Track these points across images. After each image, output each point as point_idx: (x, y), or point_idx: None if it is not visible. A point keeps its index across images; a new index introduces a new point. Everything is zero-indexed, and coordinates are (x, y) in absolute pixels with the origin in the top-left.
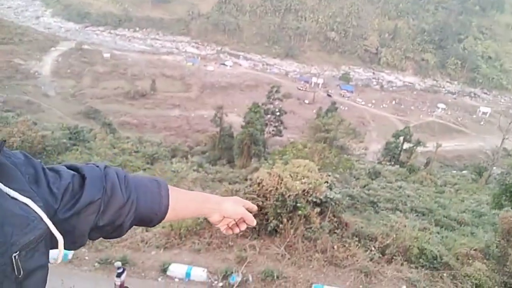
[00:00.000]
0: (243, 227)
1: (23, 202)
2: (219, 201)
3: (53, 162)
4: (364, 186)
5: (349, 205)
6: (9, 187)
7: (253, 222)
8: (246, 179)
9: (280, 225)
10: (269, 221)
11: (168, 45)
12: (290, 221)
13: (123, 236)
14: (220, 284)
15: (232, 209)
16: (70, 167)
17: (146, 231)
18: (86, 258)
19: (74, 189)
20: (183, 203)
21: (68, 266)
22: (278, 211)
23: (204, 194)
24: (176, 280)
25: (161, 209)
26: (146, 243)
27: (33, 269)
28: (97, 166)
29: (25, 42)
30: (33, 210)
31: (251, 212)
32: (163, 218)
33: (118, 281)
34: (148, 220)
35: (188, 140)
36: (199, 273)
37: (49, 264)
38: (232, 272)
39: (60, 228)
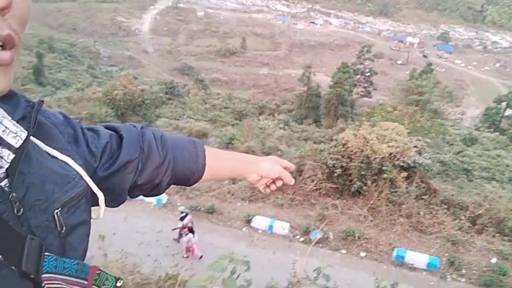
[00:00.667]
0: (279, 183)
1: (62, 161)
2: (256, 161)
3: (151, 115)
4: (458, 153)
5: (439, 172)
6: (49, 146)
7: (291, 181)
8: (331, 139)
9: (364, 187)
10: (352, 182)
11: (258, 3)
12: (374, 184)
13: (212, 186)
14: (301, 239)
15: (269, 169)
16: (107, 127)
17: (233, 183)
18: (179, 204)
19: (112, 148)
20: (220, 162)
21: (162, 210)
22: (363, 173)
23: (242, 154)
24: (259, 231)
25: (198, 168)
26: (233, 194)
27: (75, 225)
28: (134, 126)
29: (127, 1)
30: (73, 168)
31: (289, 171)
32: (201, 177)
33: (180, 224)
34: (186, 179)
35: (276, 98)
36: (282, 227)
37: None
38: (313, 229)
39: (100, 186)
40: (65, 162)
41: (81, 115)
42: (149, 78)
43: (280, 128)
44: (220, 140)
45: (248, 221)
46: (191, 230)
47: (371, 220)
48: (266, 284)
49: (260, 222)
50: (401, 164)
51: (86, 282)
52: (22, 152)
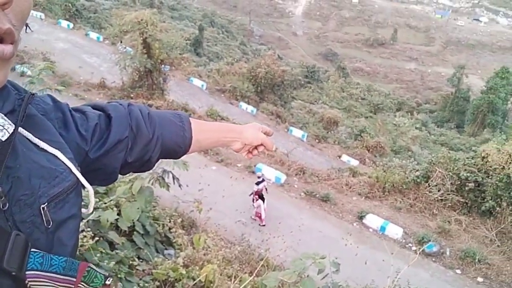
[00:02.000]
0: (261, 149)
1: (52, 154)
2: (239, 130)
3: (288, 96)
4: None
5: None
6: (38, 138)
7: (272, 147)
8: (470, 149)
9: (497, 208)
10: (485, 200)
11: None
12: (510, 207)
13: (331, 176)
14: (414, 248)
15: (252, 137)
16: (94, 107)
17: (353, 176)
18: (295, 186)
19: (101, 129)
20: (206, 134)
21: (279, 189)
22: (499, 192)
23: (225, 124)
24: (370, 230)
25: (185, 142)
26: (350, 187)
27: (64, 220)
28: (121, 104)
29: None
30: (62, 161)
31: (268, 135)
32: (188, 150)
33: (255, 188)
34: (174, 153)
35: (418, 96)
36: (395, 231)
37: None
38: (429, 240)
39: (92, 166)
40: (54, 155)
41: (226, 87)
42: (294, 60)
43: (416, 128)
44: (350, 131)
45: (361, 217)
46: (261, 197)
47: (498, 246)
48: (365, 285)
49: (373, 220)
50: None
51: (74, 280)
52: (9, 146)
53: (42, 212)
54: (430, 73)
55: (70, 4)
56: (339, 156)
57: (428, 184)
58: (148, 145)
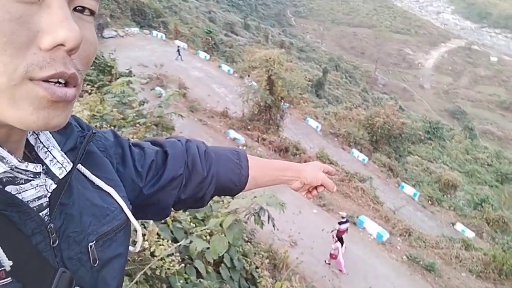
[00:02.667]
0: (321, 189)
1: (106, 191)
2: (299, 168)
3: (405, 149)
4: None
5: None
6: (95, 175)
7: (333, 188)
8: None
9: None
10: None
11: None
12: None
13: (440, 244)
14: None
15: (311, 176)
16: (153, 143)
17: (465, 249)
18: (398, 247)
19: (157, 166)
20: (264, 171)
21: (379, 246)
22: None
23: (284, 162)
24: None
25: (241, 179)
26: (460, 261)
27: (109, 258)
28: (179, 141)
29: (419, 35)
30: (115, 200)
31: (331, 175)
32: (243, 187)
33: (337, 227)
34: (229, 190)
35: None
36: None
37: (128, 252)
38: None
39: (145, 202)
40: (107, 193)
41: (340, 131)
42: (416, 113)
43: None
44: (470, 198)
45: None
46: (340, 239)
47: None
48: None
49: None
50: None
51: None
52: (65, 184)
53: (89, 250)
54: None
55: (210, 38)
56: (453, 224)
57: None
58: (202, 182)
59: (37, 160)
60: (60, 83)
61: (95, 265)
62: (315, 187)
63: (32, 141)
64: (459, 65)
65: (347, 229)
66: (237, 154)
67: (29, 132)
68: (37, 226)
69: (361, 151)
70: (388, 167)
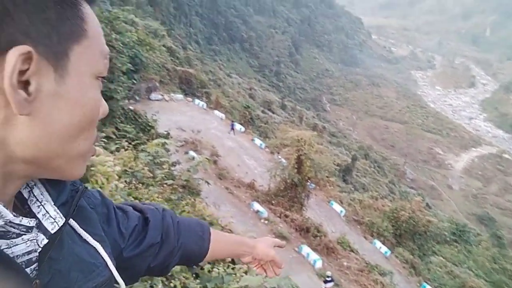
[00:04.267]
0: (270, 271)
1: (92, 246)
2: (253, 244)
3: (429, 248)
4: None
5: None
6: (83, 229)
7: (281, 265)
8: None
9: None
10: None
11: None
12: None
13: None
14: None
15: (263, 252)
16: (134, 208)
17: None
18: None
19: (139, 231)
20: (222, 245)
21: None
22: None
23: (240, 238)
24: None
25: (202, 252)
26: None
27: None
28: (157, 209)
29: (451, 136)
30: (101, 255)
31: (280, 247)
32: (202, 259)
33: (323, 286)
34: (189, 261)
35: None
36: None
37: None
38: None
39: (122, 265)
40: (94, 248)
41: (364, 219)
42: (443, 212)
43: None
44: None
45: None
46: None
47: None
48: None
49: None
50: None
51: None
52: (56, 239)
53: None
54: None
55: (247, 112)
56: None
57: None
58: (171, 252)
59: (30, 213)
60: None
61: None
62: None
63: (25, 194)
64: (489, 171)
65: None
66: (201, 226)
67: (23, 186)
68: (22, 281)
69: (383, 243)
70: (410, 263)
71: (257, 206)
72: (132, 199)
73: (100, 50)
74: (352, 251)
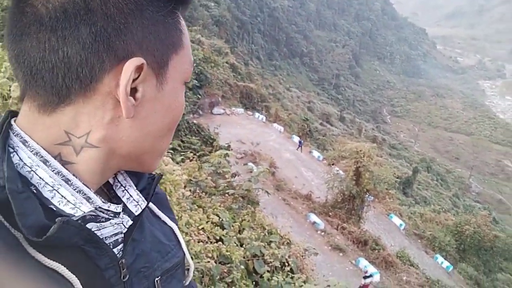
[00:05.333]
0: None
1: (168, 227)
2: None
3: (496, 265)
4: None
5: None
6: (161, 212)
7: None
8: None
9: None
10: None
11: None
12: None
13: None
14: None
15: None
16: None
17: None
18: None
19: None
20: None
21: None
22: None
23: None
24: None
25: None
26: None
27: None
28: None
29: None
30: (176, 236)
31: None
32: None
33: (362, 282)
34: None
35: None
36: None
37: None
38: None
39: None
40: (170, 229)
41: (425, 233)
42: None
43: None
44: None
45: None
46: None
47: None
48: None
49: None
50: None
51: None
52: (139, 220)
53: (156, 284)
54: None
55: (306, 125)
56: None
57: None
58: None
59: (115, 198)
60: None
61: None
62: None
63: (110, 180)
64: None
65: (371, 282)
66: None
67: None
68: (110, 261)
69: (445, 258)
70: (474, 280)
71: (314, 217)
72: (196, 207)
73: (190, 59)
74: (412, 265)
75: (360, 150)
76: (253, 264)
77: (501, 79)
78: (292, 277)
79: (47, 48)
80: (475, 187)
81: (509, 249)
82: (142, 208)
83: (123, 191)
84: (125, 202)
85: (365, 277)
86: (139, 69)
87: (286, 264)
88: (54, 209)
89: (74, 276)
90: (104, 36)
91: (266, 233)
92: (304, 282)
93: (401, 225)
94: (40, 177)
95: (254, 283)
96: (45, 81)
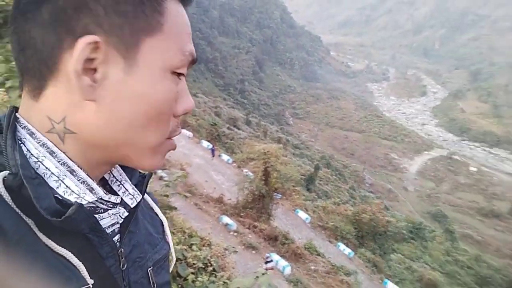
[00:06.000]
0: None
1: (158, 220)
2: None
3: (389, 247)
4: None
5: None
6: (155, 204)
7: None
8: None
9: None
10: None
11: None
12: None
13: None
14: None
15: None
16: None
17: None
18: None
19: None
20: None
21: None
22: None
23: None
24: None
25: None
26: None
27: (161, 284)
28: None
29: (405, 142)
30: (164, 230)
31: None
32: None
33: (264, 266)
34: None
35: None
36: None
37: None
38: None
39: None
40: (159, 222)
41: (328, 224)
42: (400, 213)
43: None
44: None
45: None
46: None
47: None
48: None
49: None
50: None
51: None
52: (135, 212)
53: (149, 274)
54: None
55: (214, 129)
56: None
57: None
58: None
59: (111, 192)
60: None
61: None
62: None
63: (106, 176)
64: (441, 172)
65: (272, 268)
66: None
67: None
68: (111, 250)
69: (347, 245)
70: (372, 262)
71: (226, 219)
72: None
73: (179, 47)
74: (318, 255)
75: (268, 151)
76: (177, 268)
77: (386, 81)
78: (215, 276)
79: (20, 31)
80: (368, 179)
81: (400, 232)
82: (138, 201)
83: (118, 185)
84: (121, 196)
85: (266, 262)
86: (96, 48)
87: (209, 264)
88: (60, 198)
89: (81, 263)
90: (63, 16)
91: (187, 236)
92: (228, 279)
93: (306, 219)
94: (47, 167)
95: (179, 286)
96: (23, 64)
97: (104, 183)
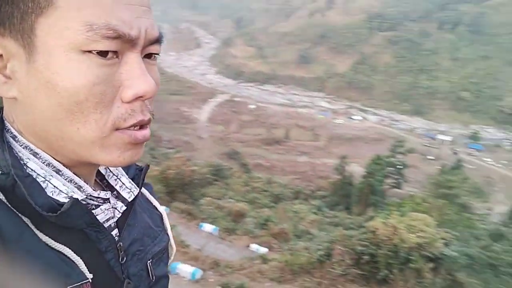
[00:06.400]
0: None
1: (157, 213)
2: None
3: (198, 194)
4: (485, 247)
5: (466, 265)
6: (153, 197)
7: None
8: (361, 226)
9: (390, 275)
10: (379, 270)
11: (305, 99)
12: (401, 273)
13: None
14: None
15: None
16: None
17: (264, 263)
18: (212, 280)
19: None
20: None
21: (195, 285)
22: (390, 261)
23: None
24: None
25: None
26: (262, 274)
27: (160, 276)
28: None
29: (192, 94)
30: (164, 222)
31: None
32: None
33: None
34: None
35: (311, 184)
36: None
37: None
38: None
39: None
40: (158, 215)
41: None
42: (201, 160)
43: (313, 212)
44: (256, 221)
45: None
46: None
47: None
48: None
49: None
50: (428, 255)
51: None
52: (133, 206)
53: (148, 267)
54: (319, 164)
55: None
56: (248, 246)
57: (331, 262)
58: None
59: (108, 187)
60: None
61: (153, 280)
62: None
63: (102, 171)
64: (227, 115)
65: None
66: None
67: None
68: (109, 244)
69: (160, 204)
70: (187, 212)
71: None
72: None
73: (84, 21)
74: None
75: None
76: None
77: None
78: None
79: None
80: (165, 136)
81: (204, 178)
82: (135, 194)
83: (115, 179)
84: (118, 190)
85: None
86: None
87: None
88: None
89: (79, 258)
90: None
91: None
92: None
93: None
94: (32, 169)
95: None
96: None
97: (101, 178)
